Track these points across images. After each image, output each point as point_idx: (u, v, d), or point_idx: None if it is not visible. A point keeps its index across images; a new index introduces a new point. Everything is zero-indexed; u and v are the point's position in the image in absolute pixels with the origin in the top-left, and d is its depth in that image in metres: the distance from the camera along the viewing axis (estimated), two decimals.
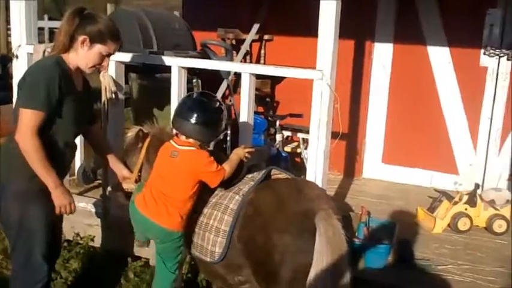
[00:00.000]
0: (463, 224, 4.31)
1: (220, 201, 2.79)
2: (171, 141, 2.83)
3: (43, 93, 2.56)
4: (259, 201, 2.69)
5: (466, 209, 4.34)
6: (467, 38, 5.13)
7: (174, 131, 2.89)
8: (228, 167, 2.81)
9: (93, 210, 4.19)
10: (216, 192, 2.86)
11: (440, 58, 5.31)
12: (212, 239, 2.74)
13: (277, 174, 2.96)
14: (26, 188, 2.70)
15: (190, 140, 2.77)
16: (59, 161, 2.74)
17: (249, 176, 2.89)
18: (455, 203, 4.40)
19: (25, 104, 2.58)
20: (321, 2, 3.37)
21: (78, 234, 4.24)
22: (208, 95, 2.90)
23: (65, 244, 4.14)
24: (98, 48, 2.75)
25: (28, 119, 2.56)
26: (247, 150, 2.92)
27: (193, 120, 2.72)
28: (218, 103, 2.87)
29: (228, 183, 2.84)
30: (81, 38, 2.72)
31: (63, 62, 2.73)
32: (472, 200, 4.36)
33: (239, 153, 2.90)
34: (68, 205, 2.72)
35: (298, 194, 2.67)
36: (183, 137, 2.79)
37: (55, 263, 3.26)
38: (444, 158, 5.39)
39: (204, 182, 2.78)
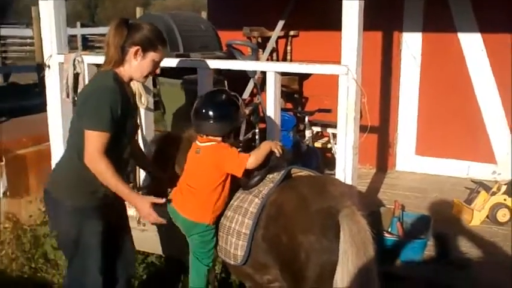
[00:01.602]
0: (502, 215, 4.18)
1: (241, 205, 2.82)
2: (196, 141, 2.93)
3: (108, 114, 2.58)
4: (282, 201, 2.70)
5: (505, 200, 4.21)
6: (499, 23, 4.97)
7: None
8: (253, 155, 2.83)
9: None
10: (237, 194, 2.90)
11: (472, 45, 5.16)
12: (234, 242, 2.77)
13: (298, 172, 2.95)
14: (83, 205, 2.73)
15: (211, 137, 2.85)
16: (122, 173, 2.77)
17: (270, 176, 2.88)
18: (494, 193, 4.28)
19: (91, 126, 2.59)
20: None
21: None
22: (218, 91, 3.02)
23: None
24: (151, 56, 2.76)
25: (96, 141, 2.58)
26: (279, 145, 2.91)
27: (206, 119, 2.81)
28: (227, 96, 2.92)
29: (246, 183, 2.86)
30: (133, 49, 2.71)
31: (118, 77, 2.73)
32: (511, 190, 4.23)
33: (269, 144, 2.91)
34: (153, 215, 2.70)
35: (320, 191, 2.66)
36: (204, 136, 2.87)
37: (130, 283, 3.23)
38: (481, 147, 5.24)
39: (232, 175, 2.84)
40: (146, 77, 2.83)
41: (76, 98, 2.90)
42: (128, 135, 2.81)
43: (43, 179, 4.74)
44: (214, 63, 3.86)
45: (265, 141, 2.97)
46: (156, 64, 2.81)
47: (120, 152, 2.76)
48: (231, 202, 2.89)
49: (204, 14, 15.13)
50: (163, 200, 2.76)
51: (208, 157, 2.82)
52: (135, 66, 2.74)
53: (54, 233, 2.93)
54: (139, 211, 2.72)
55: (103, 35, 16.87)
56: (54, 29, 4.31)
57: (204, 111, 2.83)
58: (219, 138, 2.86)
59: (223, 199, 2.86)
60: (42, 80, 4.50)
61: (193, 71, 4.18)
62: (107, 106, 2.58)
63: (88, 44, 16.40)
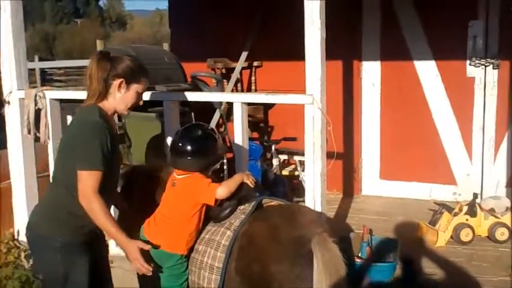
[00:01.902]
0: (465, 235, 4.31)
1: (213, 238, 2.81)
2: (173, 173, 2.93)
3: (99, 152, 2.56)
4: (253, 232, 2.71)
5: (467, 220, 4.36)
6: (452, 50, 5.22)
7: None
8: (224, 185, 2.84)
9: None
10: (208, 227, 2.89)
11: (427, 71, 5.38)
12: (207, 276, 2.76)
13: (268, 202, 2.97)
14: (71, 241, 2.67)
15: (181, 172, 2.87)
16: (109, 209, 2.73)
17: (241, 208, 2.88)
18: (456, 214, 4.42)
19: (83, 166, 2.57)
20: (306, 29, 3.43)
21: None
22: (194, 125, 3.05)
23: None
24: (135, 88, 2.76)
25: (89, 180, 2.56)
26: (251, 177, 2.94)
27: (184, 155, 2.82)
28: (204, 131, 2.94)
29: (217, 215, 2.86)
30: (117, 81, 2.71)
31: (103, 112, 2.71)
32: (472, 210, 4.38)
33: (242, 176, 2.92)
34: (140, 261, 2.64)
35: (291, 221, 2.69)
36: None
37: None
38: (441, 170, 5.42)
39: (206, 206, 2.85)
40: (130, 108, 2.82)
41: (50, 135, 2.86)
42: (116, 170, 2.81)
43: (2, 218, 4.66)
44: (181, 96, 3.91)
45: (238, 173, 3.00)
46: (139, 95, 2.82)
47: (110, 188, 2.75)
48: (202, 235, 2.88)
49: (166, 46, 15.21)
50: (148, 247, 2.72)
51: (183, 188, 2.83)
52: (119, 99, 2.74)
53: (39, 276, 2.80)
54: (127, 254, 2.68)
55: (62, 68, 16.73)
56: (14, 64, 4.29)
57: (181, 146, 2.84)
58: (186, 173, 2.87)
59: (197, 229, 2.87)
60: (1, 116, 4.44)
61: (158, 104, 4.23)
62: (98, 144, 2.57)
63: (47, 78, 16.16)
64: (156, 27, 46.26)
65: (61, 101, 4.24)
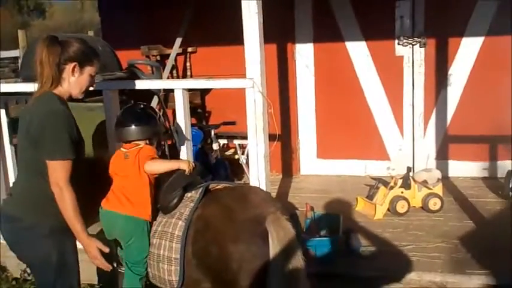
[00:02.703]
0: (401, 207, 4.55)
1: (166, 230, 2.84)
2: (121, 148, 3.04)
3: (68, 141, 2.55)
4: (208, 215, 2.76)
5: (402, 192, 4.59)
6: (381, 30, 5.41)
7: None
8: (157, 161, 2.97)
9: None
10: (159, 219, 2.92)
11: (358, 52, 5.56)
12: (167, 268, 2.80)
13: (215, 186, 3.03)
14: (59, 225, 2.65)
15: (135, 142, 3.00)
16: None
17: (188, 195, 2.92)
18: (391, 187, 4.64)
19: (53, 156, 2.55)
20: (244, 13, 3.47)
21: (25, 271, 4.12)
22: (136, 104, 3.20)
23: (13, 282, 4.03)
24: (88, 70, 2.73)
25: (61, 170, 2.55)
26: (191, 166, 3.01)
27: (129, 124, 2.99)
28: (145, 106, 3.17)
29: (165, 206, 2.91)
30: (70, 65, 2.66)
31: (61, 98, 2.67)
32: (406, 183, 4.61)
33: (178, 162, 3.04)
34: (99, 260, 2.70)
35: (244, 201, 2.75)
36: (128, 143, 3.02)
37: None
38: (375, 147, 5.65)
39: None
40: (84, 92, 2.79)
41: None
42: (83, 157, 2.79)
43: None
44: (121, 84, 3.87)
45: (179, 159, 3.05)
46: (92, 78, 2.79)
47: (77, 176, 2.70)
48: (155, 228, 2.90)
49: (90, 33, 14.74)
50: (107, 249, 2.73)
51: (135, 158, 2.92)
52: (73, 83, 2.70)
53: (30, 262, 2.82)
54: (86, 252, 2.69)
55: None
56: None
57: (126, 118, 3.04)
58: (142, 143, 2.99)
59: (153, 195, 2.94)
60: None
61: (94, 93, 4.15)
62: (66, 132, 2.55)
63: None
64: (77, 14, 44.67)
65: None
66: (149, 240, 2.91)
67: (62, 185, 2.56)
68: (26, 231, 2.69)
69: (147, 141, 3.04)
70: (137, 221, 2.88)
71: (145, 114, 3.09)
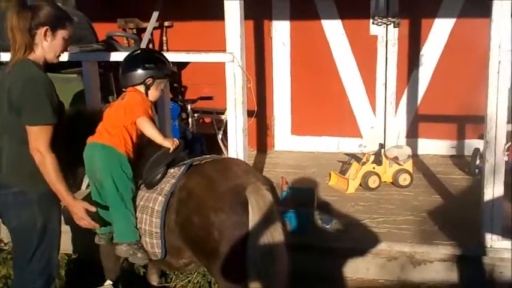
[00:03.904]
0: (372, 182, 4.70)
1: (147, 204, 2.88)
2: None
3: (48, 106, 2.55)
4: (191, 185, 2.81)
5: (373, 168, 4.73)
6: (357, 10, 5.50)
7: None
8: (151, 123, 2.97)
9: None
10: (141, 193, 2.95)
11: (334, 31, 5.65)
12: (149, 242, 2.85)
13: (198, 163, 3.03)
14: (46, 191, 2.67)
15: (137, 87, 3.01)
16: (60, 164, 2.69)
17: (171, 171, 2.94)
18: (364, 163, 4.78)
19: (34, 121, 2.55)
20: None
21: (1, 240, 4.15)
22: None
23: None
24: (61, 34, 2.70)
25: (41, 135, 2.55)
26: (175, 143, 3.02)
27: (136, 67, 2.99)
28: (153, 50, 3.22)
29: (148, 182, 2.93)
30: (42, 29, 2.63)
31: (37, 64, 2.66)
32: (378, 159, 4.76)
33: (164, 139, 3.00)
34: (86, 219, 2.72)
35: (226, 172, 2.81)
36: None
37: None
38: (348, 124, 5.78)
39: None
40: (58, 56, 2.78)
41: None
42: (64, 122, 2.80)
43: None
44: (101, 56, 3.87)
45: (168, 138, 3.07)
46: (66, 42, 2.77)
47: (57, 140, 2.72)
48: (137, 202, 2.93)
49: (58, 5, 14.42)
50: (94, 208, 2.77)
51: (128, 99, 2.98)
52: (47, 47, 2.69)
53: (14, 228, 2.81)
54: (72, 214, 2.72)
55: None
56: None
57: (132, 62, 3.03)
58: (142, 88, 3.01)
59: (132, 146, 2.95)
60: None
61: (70, 65, 4.16)
62: (44, 96, 2.56)
63: None
64: None
65: None
66: (132, 177, 2.92)
67: (43, 150, 2.57)
68: (13, 196, 2.71)
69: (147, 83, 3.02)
70: (112, 150, 2.89)
71: (151, 54, 3.18)
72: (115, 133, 2.90)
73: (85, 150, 2.96)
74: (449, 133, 5.60)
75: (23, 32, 2.62)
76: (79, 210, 2.70)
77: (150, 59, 3.07)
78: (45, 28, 2.65)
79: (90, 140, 2.95)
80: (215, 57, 3.77)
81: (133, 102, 2.96)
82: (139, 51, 3.25)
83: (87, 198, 3.02)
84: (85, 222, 2.73)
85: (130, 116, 2.94)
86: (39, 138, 2.57)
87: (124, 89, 3.07)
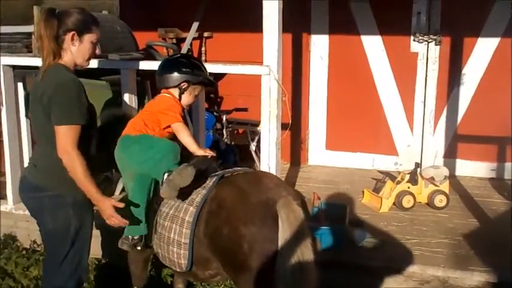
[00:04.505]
0: (407, 202, 4.59)
1: (177, 214, 2.87)
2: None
3: (74, 106, 2.61)
4: (222, 196, 2.79)
5: (408, 187, 4.63)
6: (397, 26, 5.42)
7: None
8: (186, 129, 3.02)
9: None
10: (171, 203, 2.94)
11: (373, 46, 5.58)
12: (176, 251, 2.84)
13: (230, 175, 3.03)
14: (81, 196, 2.73)
15: (170, 90, 3.08)
16: (92, 167, 2.74)
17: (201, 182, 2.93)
18: (398, 182, 4.68)
19: (60, 121, 2.61)
20: (264, 1, 3.51)
21: (35, 242, 4.22)
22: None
23: (23, 252, 4.12)
24: (88, 38, 2.77)
25: (68, 135, 2.61)
26: (207, 153, 3.04)
27: (173, 70, 3.06)
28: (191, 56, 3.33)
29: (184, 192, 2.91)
30: (69, 35, 2.71)
31: (68, 68, 2.73)
32: (413, 179, 4.65)
33: (198, 149, 3.01)
34: (116, 217, 2.75)
35: (257, 184, 2.78)
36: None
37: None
38: (384, 141, 5.69)
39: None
40: (88, 60, 2.84)
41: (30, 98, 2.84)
42: (94, 127, 2.85)
43: None
44: (140, 64, 3.91)
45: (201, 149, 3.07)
46: (94, 46, 2.83)
47: (88, 145, 2.79)
48: (166, 210, 2.92)
49: (104, 13, 14.74)
50: (123, 204, 2.78)
51: (158, 100, 3.08)
52: (76, 52, 2.75)
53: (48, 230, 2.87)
54: (102, 212, 2.74)
55: None
56: None
57: (168, 64, 3.13)
58: (176, 91, 3.08)
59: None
60: None
61: (109, 72, 4.22)
62: (74, 98, 2.62)
63: None
64: None
65: (15, 67, 4.15)
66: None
67: (70, 150, 2.60)
68: (50, 199, 2.77)
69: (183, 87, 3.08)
70: (154, 138, 2.98)
71: (189, 59, 3.23)
72: (151, 127, 2.99)
73: (121, 143, 3.00)
74: (489, 155, 5.44)
75: (50, 39, 2.68)
76: (108, 207, 2.71)
77: (188, 64, 3.12)
78: (72, 33, 2.72)
79: (125, 133, 3.00)
80: (252, 69, 3.77)
81: (166, 106, 3.01)
82: (178, 55, 3.35)
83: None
84: (114, 219, 2.74)
85: (165, 119, 2.98)
86: (66, 138, 2.61)
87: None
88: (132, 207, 2.93)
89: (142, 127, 2.99)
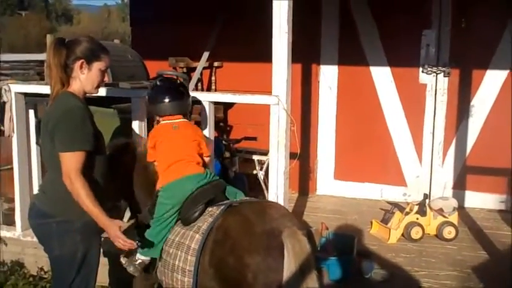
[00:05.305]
0: (415, 233, 4.56)
1: (182, 241, 2.88)
2: (162, 122, 3.20)
3: (79, 132, 2.66)
4: (227, 225, 2.80)
5: (417, 219, 4.60)
6: (406, 58, 5.47)
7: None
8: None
9: None
10: (177, 229, 2.96)
11: (382, 77, 5.62)
12: (180, 279, 2.84)
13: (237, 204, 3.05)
14: (89, 221, 2.74)
15: (177, 116, 3.18)
16: (100, 195, 2.77)
17: (209, 209, 2.95)
18: (407, 213, 4.65)
19: (63, 147, 2.65)
20: (274, 31, 3.56)
21: (42, 269, 4.21)
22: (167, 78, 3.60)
23: (30, 279, 4.11)
24: (97, 66, 2.82)
25: (71, 161, 2.64)
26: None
27: (173, 99, 3.16)
28: (177, 81, 3.47)
29: (186, 218, 2.95)
30: (78, 63, 2.77)
31: (76, 96, 2.79)
32: (422, 210, 4.63)
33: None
34: (122, 238, 2.73)
35: (263, 214, 2.79)
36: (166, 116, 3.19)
37: None
38: (392, 172, 5.68)
39: None
40: (97, 87, 2.89)
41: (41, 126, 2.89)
42: (101, 154, 2.87)
43: None
44: None
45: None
46: (103, 73, 2.88)
47: (94, 171, 2.81)
48: (172, 237, 2.94)
49: (116, 42, 15.02)
50: (127, 224, 2.79)
51: (188, 129, 3.17)
52: (84, 80, 2.81)
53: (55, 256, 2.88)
54: (108, 234, 2.75)
55: (7, 62, 16.19)
56: None
57: (165, 92, 3.17)
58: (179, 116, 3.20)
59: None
60: None
61: (119, 100, 4.27)
62: (79, 125, 2.67)
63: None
64: (103, 23, 45.39)
65: (26, 94, 4.21)
66: None
67: (73, 176, 2.63)
68: (57, 225, 2.79)
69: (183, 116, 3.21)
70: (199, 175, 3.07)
71: (182, 87, 3.34)
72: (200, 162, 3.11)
73: (181, 184, 3.00)
74: (498, 187, 5.40)
75: (58, 68, 2.75)
76: (114, 229, 2.71)
77: (186, 88, 3.33)
78: (80, 61, 2.78)
79: (168, 179, 3.02)
80: (260, 99, 3.80)
81: (200, 135, 3.20)
82: (173, 80, 3.53)
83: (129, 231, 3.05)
84: (120, 241, 2.72)
85: (205, 149, 3.17)
86: (70, 164, 2.64)
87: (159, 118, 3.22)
88: (152, 229, 2.96)
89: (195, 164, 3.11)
